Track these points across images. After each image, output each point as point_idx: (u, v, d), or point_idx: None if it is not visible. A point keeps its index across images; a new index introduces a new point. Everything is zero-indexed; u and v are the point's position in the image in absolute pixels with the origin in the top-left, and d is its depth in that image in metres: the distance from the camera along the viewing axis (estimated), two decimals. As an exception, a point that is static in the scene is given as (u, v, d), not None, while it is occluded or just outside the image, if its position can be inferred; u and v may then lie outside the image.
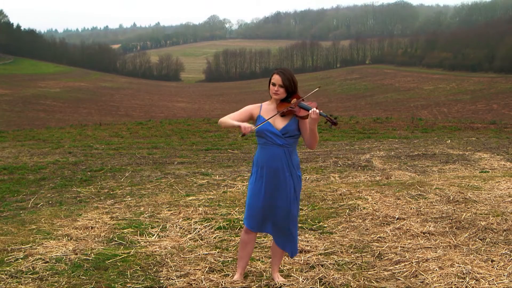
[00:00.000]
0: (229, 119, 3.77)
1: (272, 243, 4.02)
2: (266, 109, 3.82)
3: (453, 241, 4.76)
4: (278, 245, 3.92)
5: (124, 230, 5.26)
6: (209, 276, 4.04)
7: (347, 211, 5.86)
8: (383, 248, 4.63)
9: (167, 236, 5.10)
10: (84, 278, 4.00)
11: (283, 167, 3.76)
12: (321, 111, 3.68)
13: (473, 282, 3.81)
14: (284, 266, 4.25)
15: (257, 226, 3.83)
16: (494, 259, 4.28)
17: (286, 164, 3.76)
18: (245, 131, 3.64)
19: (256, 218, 3.81)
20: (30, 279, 3.97)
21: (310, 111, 3.65)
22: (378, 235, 5.00)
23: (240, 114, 3.80)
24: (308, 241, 4.86)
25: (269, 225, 3.85)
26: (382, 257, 4.44)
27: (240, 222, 5.31)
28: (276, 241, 3.92)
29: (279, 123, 3.76)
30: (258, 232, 4.02)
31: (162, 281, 3.96)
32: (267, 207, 3.79)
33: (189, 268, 4.20)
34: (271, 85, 3.77)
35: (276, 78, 3.75)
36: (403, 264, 4.24)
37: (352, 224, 5.41)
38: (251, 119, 3.81)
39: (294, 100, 3.78)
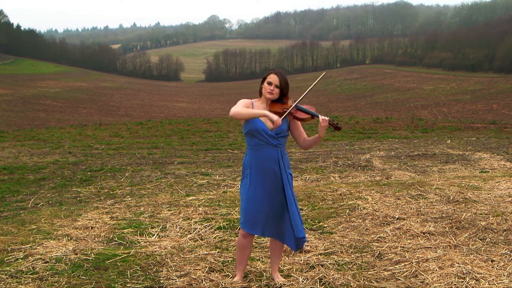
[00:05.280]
0: (245, 108, 3.65)
1: (270, 243, 4.00)
2: (258, 108, 3.77)
3: (453, 241, 4.76)
4: (287, 243, 3.82)
5: (124, 230, 5.26)
6: (209, 276, 4.04)
7: (347, 211, 5.86)
8: (383, 248, 4.63)
9: (167, 236, 5.10)
10: (84, 278, 4.00)
11: (277, 168, 3.74)
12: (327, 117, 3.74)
13: (473, 282, 3.82)
14: (284, 266, 4.25)
15: (256, 229, 3.80)
16: (494, 259, 4.28)
17: (279, 164, 3.75)
18: (277, 125, 3.61)
19: (255, 222, 3.77)
20: (30, 279, 3.97)
21: (320, 118, 3.68)
22: (378, 235, 5.00)
23: (244, 106, 3.71)
24: (308, 241, 4.86)
25: (268, 228, 3.80)
26: (382, 257, 4.44)
27: (240, 222, 5.31)
28: (281, 240, 3.85)
29: (271, 124, 3.72)
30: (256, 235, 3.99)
31: (162, 281, 3.96)
32: (265, 210, 3.75)
33: (189, 268, 4.21)
34: (266, 84, 3.74)
35: (273, 78, 3.73)
36: (403, 264, 4.24)
37: (352, 224, 5.41)
38: None
39: (290, 102, 3.78)
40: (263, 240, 4.87)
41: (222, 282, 3.90)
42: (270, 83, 3.73)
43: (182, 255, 4.51)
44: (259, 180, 3.73)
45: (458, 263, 4.16)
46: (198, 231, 5.20)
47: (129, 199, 6.86)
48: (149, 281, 3.97)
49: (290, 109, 3.72)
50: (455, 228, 5.15)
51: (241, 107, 3.68)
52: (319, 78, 3.95)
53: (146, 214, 5.91)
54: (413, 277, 3.98)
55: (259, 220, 3.77)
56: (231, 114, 3.65)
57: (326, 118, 3.69)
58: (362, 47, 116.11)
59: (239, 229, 3.93)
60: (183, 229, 5.31)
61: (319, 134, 3.74)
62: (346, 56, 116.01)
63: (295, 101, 3.79)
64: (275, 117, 3.62)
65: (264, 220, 3.78)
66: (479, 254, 4.42)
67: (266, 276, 4.03)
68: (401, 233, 5.05)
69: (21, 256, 4.46)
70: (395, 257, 4.39)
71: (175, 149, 12.03)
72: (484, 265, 4.14)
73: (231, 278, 3.99)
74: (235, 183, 7.83)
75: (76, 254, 4.52)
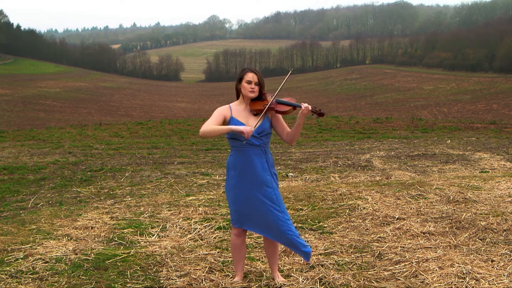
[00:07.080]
0: (213, 126, 3.61)
1: (264, 244, 3.99)
2: (237, 110, 3.77)
3: (453, 241, 4.76)
4: (286, 246, 3.86)
5: (124, 230, 5.26)
6: (209, 276, 4.04)
7: (347, 211, 5.86)
8: (383, 248, 4.63)
9: (167, 236, 5.10)
10: (84, 278, 4.00)
11: (262, 168, 3.74)
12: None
13: (473, 282, 3.81)
14: (284, 266, 4.25)
15: (248, 225, 3.81)
16: (494, 259, 4.28)
17: (264, 164, 3.75)
18: (249, 135, 3.58)
19: (245, 219, 3.78)
20: (30, 279, 3.97)
21: (302, 106, 3.70)
22: (378, 235, 5.00)
23: (216, 119, 3.67)
24: (308, 241, 4.86)
25: (260, 226, 3.79)
26: (382, 257, 4.43)
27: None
28: (279, 241, 3.85)
29: (253, 123, 3.73)
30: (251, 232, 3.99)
31: (162, 281, 3.96)
32: (254, 207, 3.74)
33: (189, 268, 4.21)
34: (245, 84, 3.73)
35: (252, 76, 3.74)
36: (403, 264, 4.24)
37: (352, 224, 5.41)
38: (224, 122, 3.72)
39: (269, 98, 3.79)
40: (263, 240, 4.86)
41: (222, 282, 3.90)
42: (249, 82, 3.73)
43: (182, 255, 4.51)
44: (244, 180, 3.73)
45: (458, 263, 4.16)
46: (198, 231, 5.20)
47: (129, 199, 6.86)
48: (149, 281, 3.97)
49: (269, 104, 3.73)
50: (455, 228, 5.15)
51: (211, 124, 3.62)
52: (288, 75, 4.01)
53: (146, 214, 5.91)
54: (413, 277, 3.98)
55: (249, 217, 3.78)
56: (200, 134, 3.63)
57: (309, 106, 3.69)
58: (362, 47, 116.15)
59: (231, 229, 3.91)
60: (183, 229, 5.31)
61: (298, 121, 3.74)
62: (346, 56, 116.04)
63: (273, 96, 3.80)
64: (242, 128, 3.58)
65: (254, 220, 3.78)
66: (479, 254, 4.42)
67: (266, 276, 4.03)
68: (401, 233, 5.05)
69: (21, 256, 4.46)
70: (395, 257, 4.39)
71: (175, 149, 12.03)
72: (484, 265, 4.14)
73: (231, 278, 3.99)
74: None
75: (76, 254, 4.52)
